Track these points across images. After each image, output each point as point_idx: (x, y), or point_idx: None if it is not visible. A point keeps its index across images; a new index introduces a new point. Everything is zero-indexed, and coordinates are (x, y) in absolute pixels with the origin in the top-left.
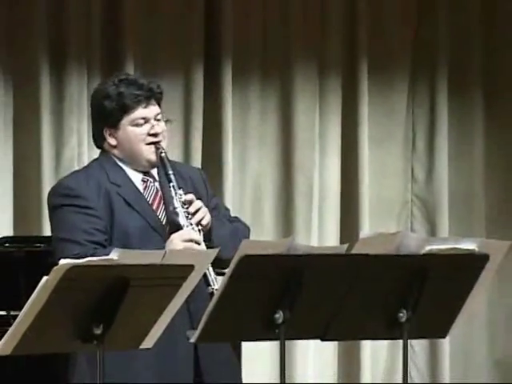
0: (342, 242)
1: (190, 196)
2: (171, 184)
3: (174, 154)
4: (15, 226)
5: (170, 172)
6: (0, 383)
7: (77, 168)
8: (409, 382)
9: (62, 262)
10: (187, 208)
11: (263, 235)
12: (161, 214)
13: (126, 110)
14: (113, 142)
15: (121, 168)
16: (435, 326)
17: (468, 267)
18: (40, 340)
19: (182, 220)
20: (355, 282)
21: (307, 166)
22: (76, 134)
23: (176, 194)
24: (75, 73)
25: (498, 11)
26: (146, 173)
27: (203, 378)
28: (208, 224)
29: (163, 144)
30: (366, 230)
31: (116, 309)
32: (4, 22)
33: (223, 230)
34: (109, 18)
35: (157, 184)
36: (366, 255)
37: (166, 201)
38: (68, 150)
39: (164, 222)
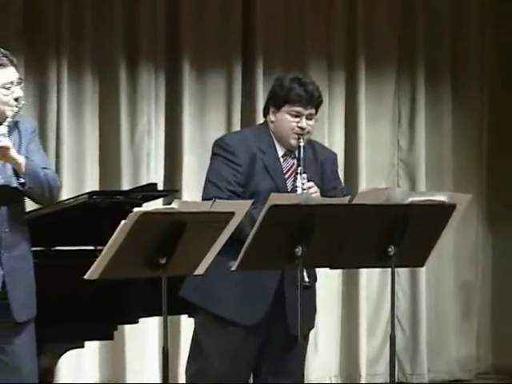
0: (344, 195)
1: (310, 184)
2: (299, 168)
3: (219, 130)
4: (100, 183)
5: (302, 157)
6: (85, 303)
7: (146, 139)
8: (395, 300)
9: (136, 209)
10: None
11: None
12: (289, 184)
13: (289, 101)
14: (273, 118)
15: (271, 139)
16: (415, 258)
17: (440, 214)
18: (119, 268)
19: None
20: (355, 225)
21: (319, 139)
22: (146, 115)
23: (300, 175)
24: (145, 67)
25: (464, 19)
26: (289, 150)
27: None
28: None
29: (306, 137)
30: (363, 186)
31: (176, 245)
32: (90, 32)
33: None
34: (168, 23)
35: (294, 160)
36: (363, 205)
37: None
38: (140, 127)
39: (289, 191)
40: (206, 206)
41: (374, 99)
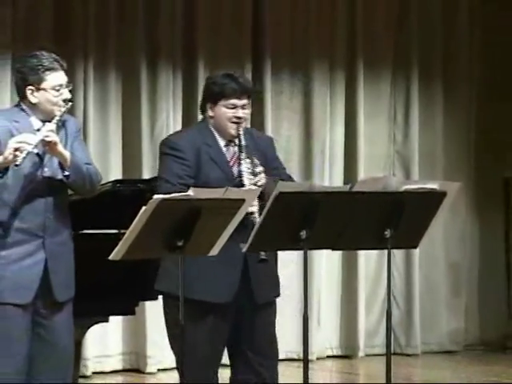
0: (345, 183)
1: (261, 168)
2: (242, 154)
3: None
4: (123, 172)
5: (243, 144)
6: (110, 282)
7: (165, 134)
8: (391, 279)
9: (156, 196)
10: (251, 173)
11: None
12: (235, 171)
13: (224, 95)
14: (211, 113)
15: (212, 133)
16: (410, 240)
17: (432, 200)
18: (140, 249)
19: (245, 181)
20: (354, 210)
21: (322, 133)
22: (165, 112)
23: (245, 161)
24: (164, 69)
25: (454, 25)
26: (230, 140)
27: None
28: (262, 185)
29: (243, 125)
30: (362, 175)
31: (192, 228)
32: (114, 37)
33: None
34: (185, 29)
35: (235, 148)
36: (362, 192)
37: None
38: (159, 123)
39: (235, 177)
40: (220, 193)
41: (372, 98)
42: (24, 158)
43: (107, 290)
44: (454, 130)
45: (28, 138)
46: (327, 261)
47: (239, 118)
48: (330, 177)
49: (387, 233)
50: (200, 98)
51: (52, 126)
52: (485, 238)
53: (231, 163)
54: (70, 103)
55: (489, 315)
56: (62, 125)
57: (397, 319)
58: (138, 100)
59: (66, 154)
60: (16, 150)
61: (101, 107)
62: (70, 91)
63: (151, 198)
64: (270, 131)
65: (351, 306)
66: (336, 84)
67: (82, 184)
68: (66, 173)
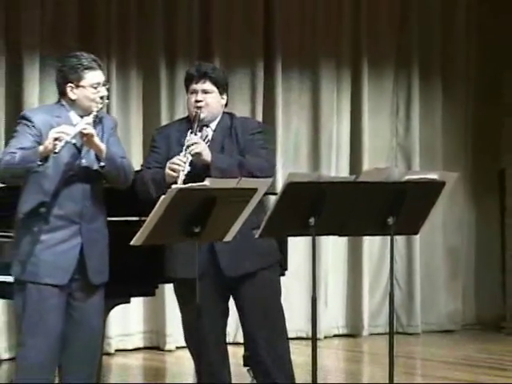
0: (351, 174)
1: (194, 139)
2: (194, 129)
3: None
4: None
5: (196, 123)
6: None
7: None
8: (393, 263)
9: (174, 186)
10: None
11: (301, 170)
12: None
13: (187, 83)
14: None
15: (184, 120)
16: (411, 227)
17: (431, 190)
18: (159, 236)
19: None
20: (360, 199)
21: (329, 127)
22: (182, 107)
23: (189, 135)
24: (182, 67)
25: (452, 26)
26: (204, 125)
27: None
28: (197, 154)
29: (205, 109)
30: (366, 166)
31: (208, 216)
32: (135, 37)
33: (225, 162)
34: (202, 30)
35: (204, 132)
36: (367, 182)
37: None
38: (177, 115)
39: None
40: (234, 183)
41: (376, 94)
42: (62, 146)
43: (129, 274)
44: (452, 124)
45: (67, 129)
46: (334, 246)
47: (198, 101)
48: (336, 168)
49: (390, 220)
50: None
51: (89, 119)
52: (481, 225)
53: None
54: (106, 101)
55: (485, 297)
56: (99, 121)
57: (399, 301)
58: (158, 96)
59: (102, 146)
60: (55, 139)
61: (123, 103)
62: (107, 89)
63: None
64: (280, 126)
65: (356, 289)
66: (342, 81)
67: (116, 175)
68: (102, 164)
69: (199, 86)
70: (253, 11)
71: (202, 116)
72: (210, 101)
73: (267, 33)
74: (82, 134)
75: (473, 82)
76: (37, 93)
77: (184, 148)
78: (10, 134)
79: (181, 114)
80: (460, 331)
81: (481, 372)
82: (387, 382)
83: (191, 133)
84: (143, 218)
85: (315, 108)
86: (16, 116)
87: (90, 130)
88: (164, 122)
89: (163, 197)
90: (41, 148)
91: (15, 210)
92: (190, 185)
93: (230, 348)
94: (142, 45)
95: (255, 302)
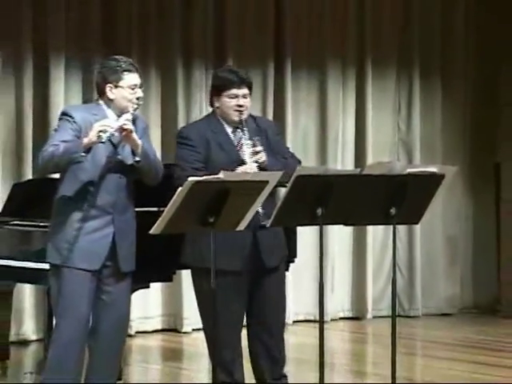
0: (356, 167)
1: (259, 148)
2: (244, 136)
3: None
4: (162, 158)
5: (245, 129)
6: (151, 253)
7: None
8: (396, 251)
9: (190, 179)
10: (252, 152)
11: (309, 164)
12: (241, 153)
13: (225, 87)
14: (217, 104)
15: (219, 121)
16: (412, 217)
17: (431, 182)
18: (177, 225)
19: (247, 159)
20: (364, 191)
21: (335, 124)
22: (198, 104)
23: (245, 142)
24: (197, 67)
25: (451, 28)
26: (236, 126)
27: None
28: (264, 162)
29: (245, 112)
30: (370, 160)
31: (222, 207)
32: (154, 40)
33: (277, 165)
34: (216, 32)
35: (241, 133)
36: (371, 175)
37: (252, 145)
38: (193, 113)
39: (240, 158)
40: (246, 176)
41: (379, 93)
42: (108, 137)
43: (149, 260)
44: (451, 121)
45: (110, 122)
46: (340, 236)
47: (240, 106)
48: (342, 161)
49: (392, 211)
50: None
51: (129, 116)
52: (478, 215)
53: (238, 147)
54: (141, 102)
55: (481, 283)
56: (132, 121)
57: (400, 286)
58: (175, 94)
59: (139, 141)
60: (100, 131)
61: (143, 100)
62: (142, 91)
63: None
64: (289, 122)
65: (361, 275)
66: (347, 81)
67: (148, 170)
68: (137, 158)
69: (240, 92)
70: (264, 15)
71: (243, 118)
72: (248, 104)
73: (277, 35)
74: (121, 129)
75: (471, 81)
76: (62, 92)
77: (249, 156)
78: (38, 131)
79: (197, 111)
80: (458, 314)
81: (477, 352)
82: (390, 361)
83: (240, 140)
84: (161, 209)
85: (322, 106)
86: (43, 114)
87: (130, 126)
88: (181, 119)
89: (180, 188)
90: (85, 140)
91: (44, 201)
92: (205, 177)
93: None
94: (160, 46)
95: (276, 294)
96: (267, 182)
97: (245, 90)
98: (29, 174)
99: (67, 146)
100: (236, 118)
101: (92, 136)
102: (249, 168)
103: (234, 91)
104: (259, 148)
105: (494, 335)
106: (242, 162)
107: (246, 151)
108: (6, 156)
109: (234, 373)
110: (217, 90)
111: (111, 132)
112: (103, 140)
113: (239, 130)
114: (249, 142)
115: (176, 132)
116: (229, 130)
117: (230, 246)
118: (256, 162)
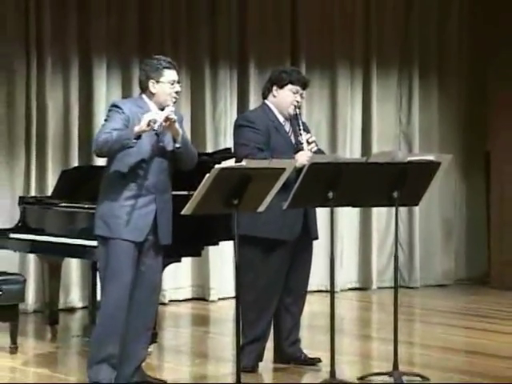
0: (362, 155)
1: (309, 135)
2: (301, 126)
3: None
4: None
5: (301, 121)
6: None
7: (224, 118)
8: (398, 229)
9: (217, 166)
10: (307, 140)
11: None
12: (293, 140)
13: (292, 82)
14: (276, 94)
15: (272, 112)
16: (412, 199)
17: (429, 169)
18: (205, 206)
19: (305, 147)
20: (370, 176)
21: (344, 116)
22: (223, 100)
23: (302, 131)
24: (223, 67)
25: (447, 32)
26: (286, 117)
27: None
28: (315, 152)
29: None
30: (375, 149)
31: (244, 191)
32: (185, 44)
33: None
34: (239, 36)
35: (289, 123)
36: (376, 163)
37: (296, 134)
38: (219, 109)
39: (293, 144)
40: (266, 164)
41: (383, 89)
42: (159, 126)
43: (181, 238)
44: (447, 114)
45: (158, 114)
46: (348, 216)
47: (297, 101)
48: (350, 150)
49: (395, 194)
50: (250, 90)
51: (172, 108)
52: (470, 198)
53: (289, 134)
54: (178, 97)
55: (473, 257)
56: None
57: (402, 260)
58: (203, 91)
59: (180, 130)
60: (149, 121)
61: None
62: (180, 86)
63: (213, 167)
64: (304, 114)
65: (366, 251)
66: (355, 79)
67: (186, 157)
68: (178, 145)
69: (301, 90)
70: (282, 22)
71: (297, 112)
72: (302, 102)
73: (293, 39)
74: (166, 119)
75: (464, 79)
76: (104, 89)
77: (304, 144)
78: (83, 124)
79: (222, 106)
80: (453, 285)
81: (470, 319)
82: (392, 326)
83: (299, 130)
84: (191, 192)
85: (333, 101)
86: (87, 108)
87: (174, 116)
88: (208, 114)
89: (208, 175)
90: (136, 128)
91: (88, 185)
92: (229, 165)
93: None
94: (189, 48)
95: (309, 263)
96: (284, 168)
97: (303, 90)
98: (75, 162)
99: (120, 133)
100: (291, 111)
101: (143, 125)
102: (306, 154)
103: (298, 88)
104: (313, 138)
105: (486, 304)
106: (299, 149)
107: (304, 140)
108: (55, 145)
109: (266, 336)
110: (281, 84)
111: (160, 121)
112: (155, 128)
113: (288, 121)
114: (305, 132)
115: (203, 122)
116: (281, 119)
117: (283, 217)
118: (310, 150)
